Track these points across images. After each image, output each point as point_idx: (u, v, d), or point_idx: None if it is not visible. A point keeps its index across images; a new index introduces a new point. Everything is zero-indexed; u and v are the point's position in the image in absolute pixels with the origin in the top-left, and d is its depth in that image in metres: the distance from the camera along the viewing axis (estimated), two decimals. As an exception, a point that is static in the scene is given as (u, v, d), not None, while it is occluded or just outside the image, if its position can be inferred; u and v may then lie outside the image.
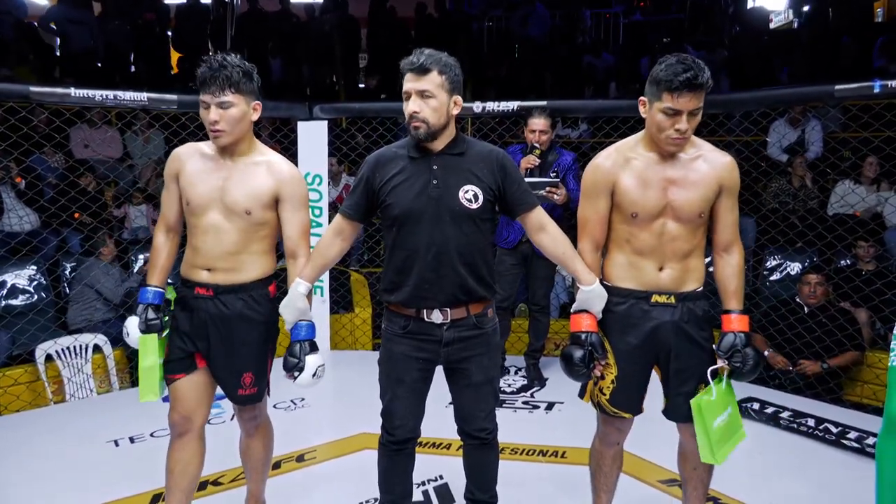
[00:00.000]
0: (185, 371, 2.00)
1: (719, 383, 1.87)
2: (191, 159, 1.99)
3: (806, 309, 3.76)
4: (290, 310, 1.97)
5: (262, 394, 2.09)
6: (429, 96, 1.84)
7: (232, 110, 1.89)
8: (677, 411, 1.94)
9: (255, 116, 1.98)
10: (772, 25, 9.21)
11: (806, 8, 8.48)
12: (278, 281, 2.10)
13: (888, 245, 4.36)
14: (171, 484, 2.04)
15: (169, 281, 2.12)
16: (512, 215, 1.97)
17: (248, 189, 1.95)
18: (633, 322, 1.90)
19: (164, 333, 2.03)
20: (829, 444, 2.86)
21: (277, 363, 2.04)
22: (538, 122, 3.41)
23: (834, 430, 2.96)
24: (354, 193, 1.97)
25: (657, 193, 1.84)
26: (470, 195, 1.87)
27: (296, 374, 1.95)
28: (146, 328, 1.99)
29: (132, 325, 2.01)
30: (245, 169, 1.97)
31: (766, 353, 3.74)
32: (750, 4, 9.51)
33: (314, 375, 1.95)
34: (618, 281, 1.92)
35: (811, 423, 3.05)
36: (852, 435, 2.90)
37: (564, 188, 3.28)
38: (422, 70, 1.83)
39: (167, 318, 2.03)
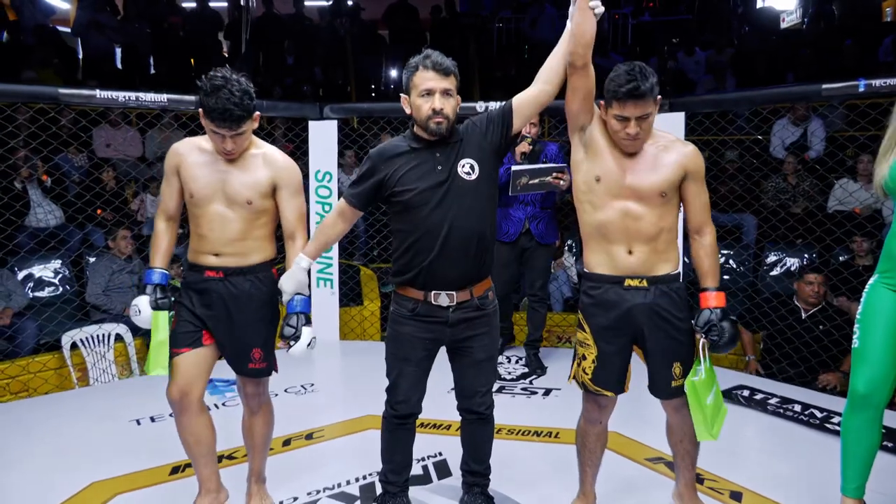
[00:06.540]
0: (189, 346, 2.13)
1: (704, 361, 1.98)
2: (190, 153, 2.12)
3: (803, 314, 3.85)
4: (291, 282, 2.12)
5: (270, 369, 2.24)
6: (450, 95, 2.01)
7: (244, 135, 2.05)
8: (657, 388, 2.09)
9: (255, 125, 2.09)
10: (783, 25, 9.23)
11: (813, 8, 8.52)
12: (279, 265, 2.25)
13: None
14: (191, 454, 2.24)
15: (171, 274, 2.27)
16: (513, 127, 2.09)
17: (249, 180, 2.10)
18: (609, 305, 2.03)
19: (171, 313, 2.17)
20: (813, 428, 2.98)
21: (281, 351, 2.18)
22: None
23: (819, 414, 3.09)
24: (361, 184, 2.10)
25: (618, 172, 1.96)
26: (467, 167, 2.03)
27: (291, 343, 2.09)
28: (157, 306, 2.14)
29: (143, 303, 2.13)
30: (243, 162, 2.11)
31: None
32: (759, 4, 9.56)
33: (308, 345, 2.10)
34: (594, 268, 2.07)
35: (797, 408, 3.17)
36: (836, 419, 3.00)
37: (569, 175, 3.37)
38: (447, 71, 2.00)
39: (173, 298, 2.18)
